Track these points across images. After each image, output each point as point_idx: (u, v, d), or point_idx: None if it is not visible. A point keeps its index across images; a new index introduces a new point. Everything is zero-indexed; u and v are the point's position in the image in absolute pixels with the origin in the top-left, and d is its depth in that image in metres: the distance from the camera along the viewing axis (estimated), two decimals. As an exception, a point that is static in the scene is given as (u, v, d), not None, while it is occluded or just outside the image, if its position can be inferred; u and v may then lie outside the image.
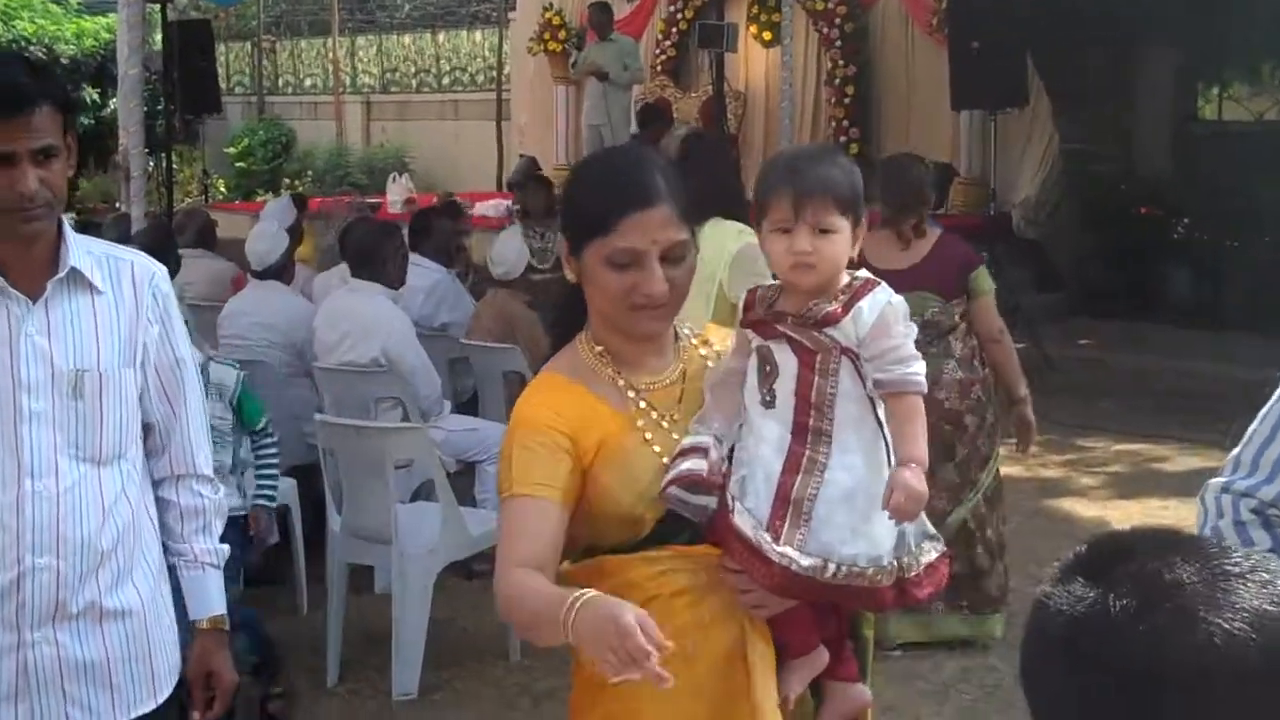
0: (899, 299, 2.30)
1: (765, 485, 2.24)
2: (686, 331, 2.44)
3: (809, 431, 2.25)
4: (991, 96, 11.55)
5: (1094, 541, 1.29)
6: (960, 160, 12.90)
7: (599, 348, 2.35)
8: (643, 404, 2.32)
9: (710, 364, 2.41)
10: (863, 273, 2.33)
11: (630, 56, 13.87)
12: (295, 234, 8.15)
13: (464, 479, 6.33)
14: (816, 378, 2.25)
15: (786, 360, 2.28)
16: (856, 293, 2.28)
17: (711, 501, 2.25)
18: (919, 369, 2.25)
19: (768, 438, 2.26)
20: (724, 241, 4.56)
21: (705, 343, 2.46)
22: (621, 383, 2.32)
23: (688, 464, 2.25)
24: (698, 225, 2.37)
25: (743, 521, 2.23)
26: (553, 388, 2.31)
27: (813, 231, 2.27)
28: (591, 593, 2.01)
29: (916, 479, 2.18)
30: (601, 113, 13.75)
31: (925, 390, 2.25)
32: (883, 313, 2.25)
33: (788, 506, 2.21)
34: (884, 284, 2.31)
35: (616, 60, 13.63)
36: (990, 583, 5.48)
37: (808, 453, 2.24)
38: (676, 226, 2.24)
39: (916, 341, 2.27)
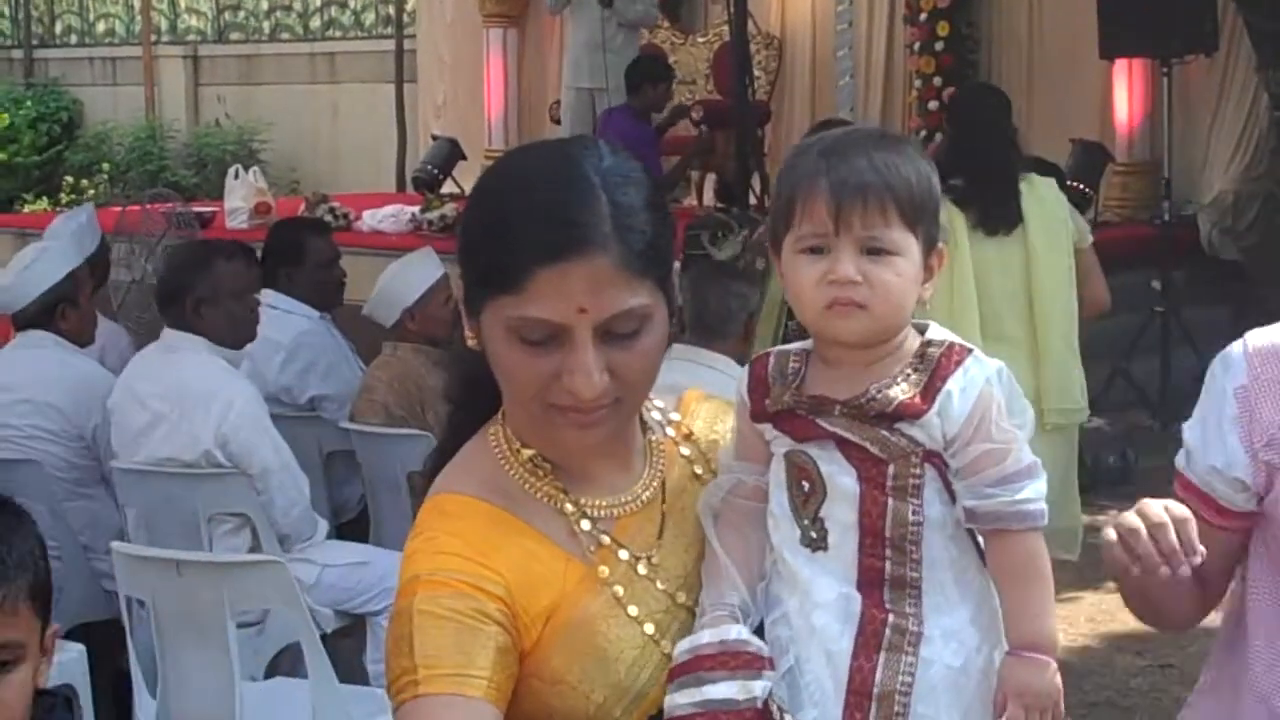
0: (1005, 373, 2.27)
1: (831, 676, 2.23)
2: (656, 417, 2.40)
3: (885, 583, 2.25)
4: (1163, 39, 11.59)
5: None
6: (1116, 138, 12.94)
7: (527, 451, 2.29)
8: (605, 540, 2.27)
9: (699, 471, 2.38)
10: (942, 332, 2.31)
11: None
12: (99, 261, 8.12)
13: (348, 641, 6.29)
14: (891, 500, 2.24)
15: (839, 475, 2.26)
16: (939, 368, 2.25)
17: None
18: (1035, 491, 2.23)
19: (821, 598, 2.26)
20: (1048, 189, 6.48)
21: (687, 437, 2.42)
22: (570, 508, 2.27)
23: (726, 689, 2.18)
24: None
25: None
26: (467, 516, 2.24)
27: (860, 251, 2.24)
28: None
29: (1039, 675, 2.19)
30: (595, 69, 13.39)
31: (1044, 523, 2.24)
32: (979, 400, 2.23)
33: (869, 707, 2.21)
34: (977, 351, 2.28)
35: None
36: None
37: (890, 618, 2.23)
38: (628, 285, 2.16)
39: None
